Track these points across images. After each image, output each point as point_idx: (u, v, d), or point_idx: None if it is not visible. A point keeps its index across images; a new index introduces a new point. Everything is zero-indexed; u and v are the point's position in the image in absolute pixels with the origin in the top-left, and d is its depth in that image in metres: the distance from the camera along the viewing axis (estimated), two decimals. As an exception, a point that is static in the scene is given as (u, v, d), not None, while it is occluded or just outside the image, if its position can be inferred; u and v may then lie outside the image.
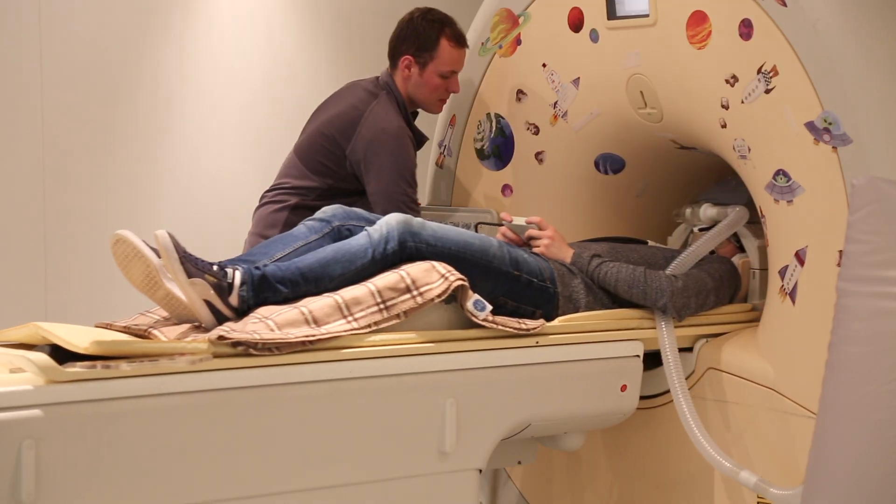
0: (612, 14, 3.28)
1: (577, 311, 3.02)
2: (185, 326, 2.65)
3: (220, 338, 2.50)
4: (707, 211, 3.35)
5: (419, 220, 2.89)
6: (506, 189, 3.65)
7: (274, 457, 2.59)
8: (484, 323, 2.79)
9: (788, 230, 2.97)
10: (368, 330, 2.68)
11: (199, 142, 4.79)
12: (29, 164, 4.45)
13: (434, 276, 2.77)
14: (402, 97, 3.55)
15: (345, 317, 2.67)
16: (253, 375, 2.55)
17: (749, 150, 3.05)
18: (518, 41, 3.56)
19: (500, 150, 3.65)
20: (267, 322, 2.59)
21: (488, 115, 3.66)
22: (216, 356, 2.49)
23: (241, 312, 2.66)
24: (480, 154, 3.70)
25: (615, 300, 3.08)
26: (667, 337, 3.03)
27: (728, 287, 3.20)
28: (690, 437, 2.97)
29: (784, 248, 2.99)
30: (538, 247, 3.12)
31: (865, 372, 2.28)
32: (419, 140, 3.57)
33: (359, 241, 2.82)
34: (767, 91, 2.95)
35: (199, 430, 2.51)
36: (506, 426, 2.91)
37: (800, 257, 2.93)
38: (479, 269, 2.88)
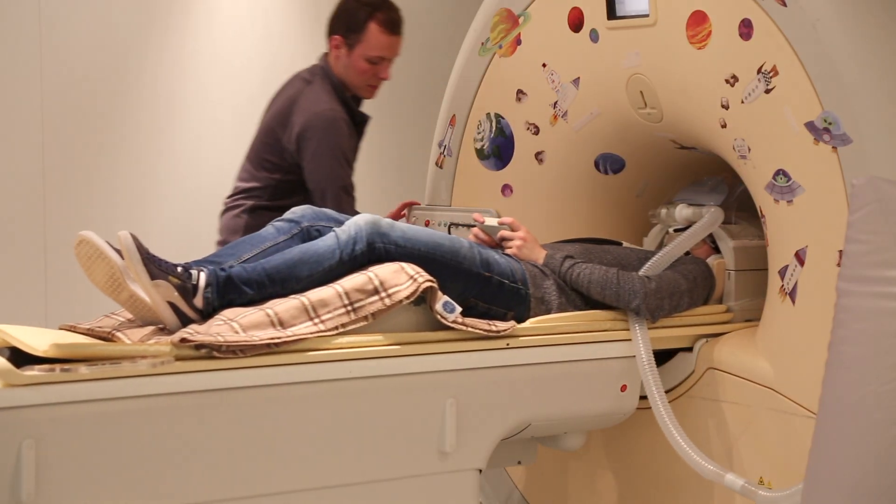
0: (612, 14, 3.28)
1: (549, 313, 2.99)
2: (150, 328, 2.61)
3: (183, 340, 2.47)
4: (682, 211, 3.32)
5: (388, 220, 2.86)
6: (506, 189, 3.65)
7: (274, 457, 2.59)
8: (453, 325, 2.76)
9: (788, 230, 2.97)
10: (335, 332, 2.64)
11: (198, 141, 4.79)
12: (29, 164, 4.45)
13: (403, 278, 2.73)
14: (337, 79, 3.47)
15: (311, 319, 2.63)
16: (252, 376, 2.55)
17: (749, 150, 3.05)
18: (518, 41, 3.56)
19: (500, 150, 3.65)
20: (232, 324, 2.56)
21: (488, 114, 3.66)
22: (179, 359, 2.45)
23: (206, 314, 2.62)
24: (480, 154, 3.69)
25: (588, 302, 3.06)
26: (641, 339, 3.01)
27: (702, 288, 3.18)
28: (671, 441, 2.95)
29: (784, 248, 2.99)
30: (510, 248, 3.10)
31: (865, 372, 2.28)
32: (359, 121, 3.50)
33: (326, 241, 2.79)
34: (767, 91, 2.95)
35: (199, 430, 2.51)
36: (506, 426, 2.91)
37: (800, 257, 2.93)
38: (450, 270, 2.85)
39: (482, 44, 3.64)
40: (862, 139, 2.78)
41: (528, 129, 3.58)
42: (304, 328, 2.61)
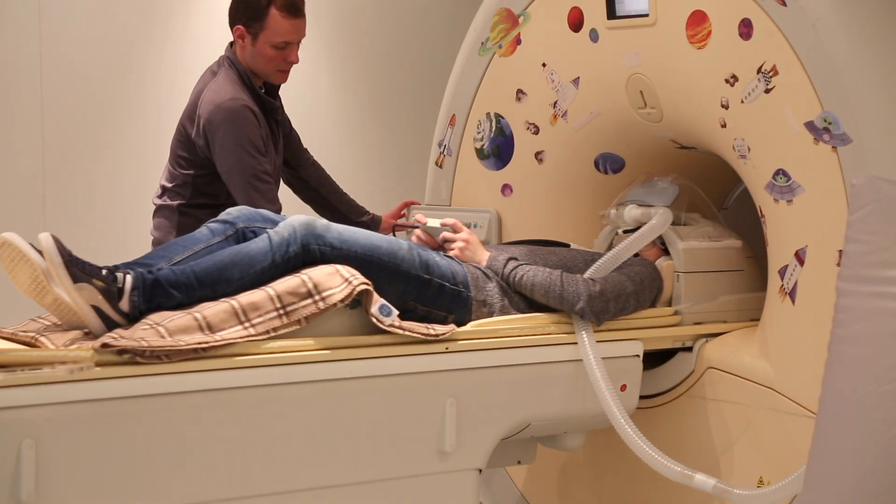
0: (611, 14, 3.28)
1: (492, 316, 2.93)
2: (76, 333, 2.54)
3: (104, 345, 2.40)
4: (631, 212, 3.24)
5: (324, 221, 2.78)
6: (506, 189, 3.65)
7: (274, 457, 2.59)
8: (390, 329, 2.68)
9: (788, 230, 2.97)
10: (266, 336, 2.57)
11: (198, 141, 4.79)
12: (29, 165, 4.45)
13: (337, 280, 2.66)
14: (244, 67, 3.40)
15: (241, 323, 2.56)
16: (252, 376, 2.55)
17: (749, 149, 3.05)
18: (518, 41, 3.56)
19: (499, 149, 3.65)
20: (158, 328, 2.49)
21: (488, 114, 3.66)
22: (100, 365, 2.39)
23: (133, 318, 2.55)
24: (480, 154, 3.69)
25: (532, 304, 2.99)
26: (588, 344, 2.93)
27: (649, 291, 3.12)
28: (632, 447, 2.87)
29: (784, 247, 2.99)
30: (452, 250, 3.04)
31: (865, 372, 2.28)
32: (268, 108, 3.42)
33: (259, 243, 2.71)
34: (767, 91, 2.95)
35: (199, 429, 2.51)
36: (506, 426, 2.91)
37: (799, 257, 2.93)
38: (388, 272, 2.78)
39: (482, 43, 3.64)
40: (862, 139, 2.78)
41: (527, 128, 3.58)
42: (233, 332, 2.54)
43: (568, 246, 3.30)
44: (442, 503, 2.82)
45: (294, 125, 3.71)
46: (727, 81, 3.04)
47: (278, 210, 3.31)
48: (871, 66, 2.81)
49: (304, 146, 3.76)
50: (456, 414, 2.78)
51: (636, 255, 3.18)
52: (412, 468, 2.77)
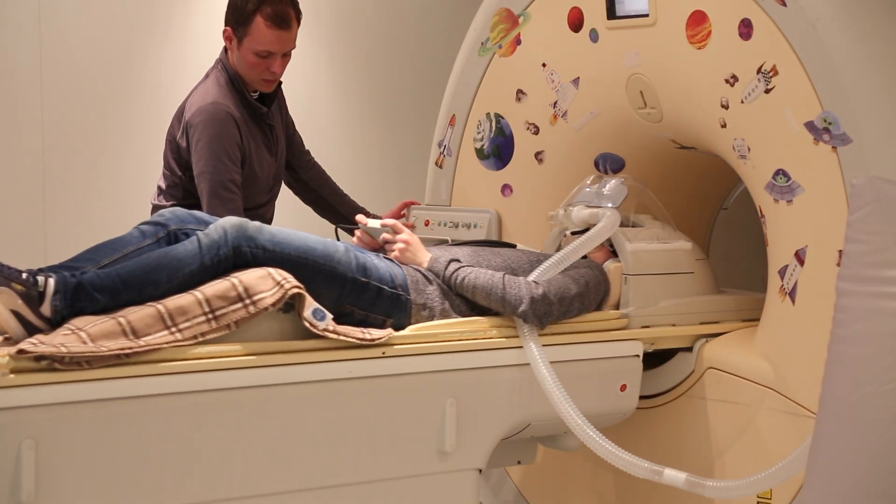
0: (611, 14, 3.28)
1: (432, 320, 2.85)
2: None
3: (21, 352, 2.32)
4: (579, 214, 3.16)
5: (256, 223, 2.69)
6: (506, 189, 3.65)
7: (275, 456, 2.59)
8: (324, 333, 2.61)
9: (788, 230, 2.98)
10: (194, 341, 2.50)
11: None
12: (29, 164, 4.45)
13: (269, 284, 2.58)
14: (233, 70, 3.37)
15: (168, 327, 2.48)
16: (252, 376, 2.55)
17: (749, 149, 3.05)
18: (518, 41, 3.56)
19: (499, 149, 3.65)
20: (79, 334, 2.41)
21: (488, 114, 3.66)
22: (16, 371, 2.33)
23: (55, 323, 2.47)
24: (480, 154, 3.70)
25: (474, 307, 2.91)
26: (535, 349, 2.84)
27: (594, 293, 3.04)
28: (595, 449, 2.80)
29: (784, 247, 2.99)
30: (392, 251, 2.98)
31: (865, 372, 2.28)
32: (256, 114, 3.38)
33: (188, 246, 2.62)
34: (767, 91, 2.95)
35: (199, 430, 2.51)
36: (506, 426, 2.91)
37: (799, 257, 2.93)
38: (323, 275, 2.70)
39: (482, 44, 3.64)
40: (862, 139, 2.78)
41: (527, 128, 3.58)
42: (159, 337, 2.46)
43: (514, 247, 3.23)
44: (442, 503, 2.82)
45: (294, 125, 3.71)
46: (727, 81, 3.04)
47: None
48: (871, 66, 2.81)
49: (306, 148, 3.76)
50: (456, 414, 2.78)
51: (585, 256, 3.09)
52: (412, 468, 2.77)
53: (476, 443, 2.83)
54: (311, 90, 5.03)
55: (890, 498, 2.27)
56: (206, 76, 3.42)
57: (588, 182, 3.27)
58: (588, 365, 3.01)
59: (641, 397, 3.13)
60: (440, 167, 3.81)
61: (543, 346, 2.86)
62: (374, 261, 2.83)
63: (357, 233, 3.10)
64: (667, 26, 3.16)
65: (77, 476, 2.38)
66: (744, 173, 3.13)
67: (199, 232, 2.67)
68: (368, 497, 2.73)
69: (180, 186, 3.36)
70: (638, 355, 3.08)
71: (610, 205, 3.15)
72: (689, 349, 3.20)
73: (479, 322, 2.87)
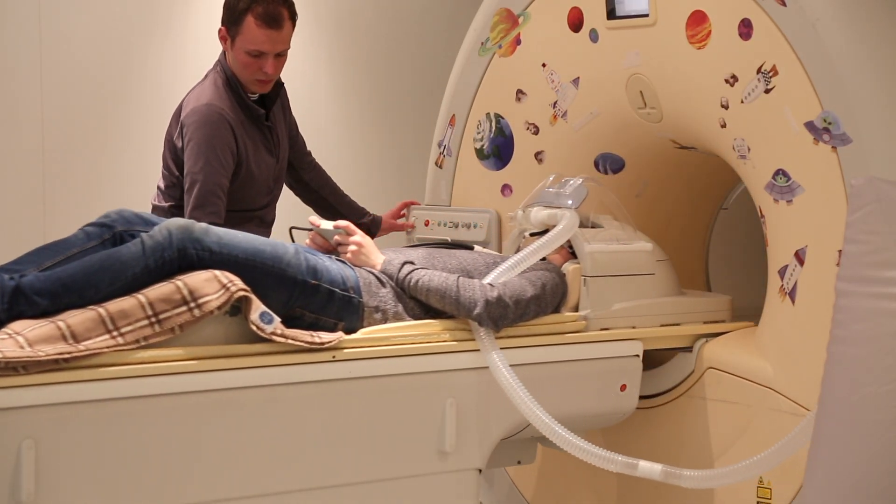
0: (611, 14, 3.28)
1: (385, 322, 2.79)
2: None
3: None
4: (538, 215, 3.11)
5: (203, 225, 2.62)
6: (505, 189, 3.65)
7: (274, 457, 2.59)
8: (271, 337, 2.54)
9: (788, 230, 2.98)
10: (136, 346, 2.43)
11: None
12: (29, 164, 4.45)
13: (214, 287, 2.51)
14: (231, 72, 3.35)
15: (109, 331, 2.42)
16: (251, 376, 2.55)
17: (749, 149, 3.05)
18: (518, 41, 3.56)
19: (499, 149, 3.65)
20: (17, 338, 2.35)
21: (488, 114, 3.66)
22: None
23: None
24: (480, 154, 3.70)
25: (429, 311, 2.85)
26: (493, 353, 2.78)
27: (551, 296, 2.97)
28: (566, 448, 2.74)
29: (784, 247, 2.99)
30: (345, 254, 2.91)
31: (865, 372, 2.28)
32: (254, 115, 3.36)
33: (132, 248, 2.55)
34: (767, 91, 2.96)
35: (198, 430, 2.51)
36: (506, 426, 2.91)
37: (799, 257, 2.93)
38: (272, 278, 2.63)
39: (482, 44, 3.64)
40: (862, 139, 2.78)
41: (527, 128, 3.58)
42: (99, 342, 2.40)
43: (472, 248, 3.17)
44: (442, 503, 2.82)
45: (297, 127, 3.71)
46: (727, 81, 3.04)
47: (219, 225, 3.25)
48: (871, 66, 2.81)
49: (308, 149, 3.76)
50: (456, 414, 2.78)
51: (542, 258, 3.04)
52: (412, 468, 2.77)
53: (476, 443, 2.83)
54: (311, 90, 5.03)
55: (890, 498, 2.27)
56: (205, 77, 3.42)
57: (548, 182, 3.22)
58: (588, 365, 3.01)
59: (641, 397, 3.13)
60: (440, 167, 3.81)
61: (550, 345, 2.86)
62: (326, 263, 2.77)
63: (310, 234, 3.03)
64: (667, 26, 3.16)
65: (77, 476, 2.38)
66: (744, 173, 3.13)
67: (143, 234, 2.61)
68: (368, 497, 2.73)
69: (178, 187, 3.36)
70: (638, 355, 3.08)
71: (570, 204, 3.10)
72: (689, 349, 3.20)
73: (431, 325, 2.81)
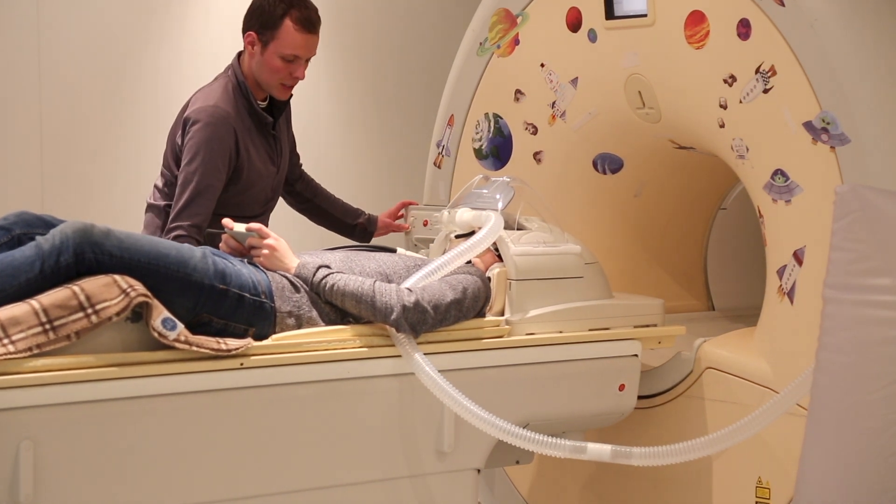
0: (610, 14, 3.28)
1: (299, 328, 2.69)
2: None
3: None
4: (463, 216, 3.03)
5: (103, 227, 2.49)
6: (505, 189, 3.65)
7: (274, 457, 2.60)
8: (175, 344, 2.44)
9: (787, 230, 2.98)
10: (29, 354, 2.32)
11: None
12: (27, 166, 4.45)
13: (114, 292, 2.40)
14: (243, 77, 3.35)
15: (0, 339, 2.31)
16: (251, 376, 2.55)
17: (747, 149, 3.05)
18: (516, 41, 3.56)
19: (498, 150, 3.65)
20: None
21: (486, 115, 3.66)
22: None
23: None
24: (479, 154, 3.70)
25: (345, 316, 2.76)
26: (416, 356, 2.69)
27: (473, 300, 2.85)
28: (517, 444, 2.66)
29: (782, 247, 2.99)
30: (258, 257, 2.80)
31: (853, 380, 2.27)
32: (262, 122, 3.36)
33: (26, 251, 2.43)
34: (766, 91, 2.96)
35: (198, 430, 2.51)
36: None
37: (798, 257, 2.93)
38: (177, 283, 2.51)
39: (480, 44, 3.64)
40: (860, 139, 2.78)
41: (526, 129, 3.58)
42: None
43: (395, 251, 3.08)
44: (441, 503, 2.82)
45: (294, 126, 3.71)
46: (725, 81, 3.04)
47: (199, 227, 3.22)
48: (870, 66, 2.81)
49: (300, 162, 3.76)
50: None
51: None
52: (411, 468, 2.77)
53: (474, 443, 2.83)
54: (311, 91, 5.03)
55: (881, 506, 2.27)
56: (215, 80, 3.42)
57: (475, 183, 3.17)
58: (586, 365, 3.01)
59: (640, 397, 3.13)
60: (439, 167, 3.81)
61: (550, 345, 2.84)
62: (237, 267, 2.66)
63: (223, 237, 2.94)
64: (665, 26, 3.16)
65: (75, 477, 2.38)
66: (742, 173, 3.13)
67: (38, 236, 2.48)
68: (368, 497, 2.73)
69: (175, 186, 3.37)
70: (636, 355, 3.07)
71: (496, 207, 3.02)
72: (689, 349, 3.20)
73: (344, 331, 2.71)
